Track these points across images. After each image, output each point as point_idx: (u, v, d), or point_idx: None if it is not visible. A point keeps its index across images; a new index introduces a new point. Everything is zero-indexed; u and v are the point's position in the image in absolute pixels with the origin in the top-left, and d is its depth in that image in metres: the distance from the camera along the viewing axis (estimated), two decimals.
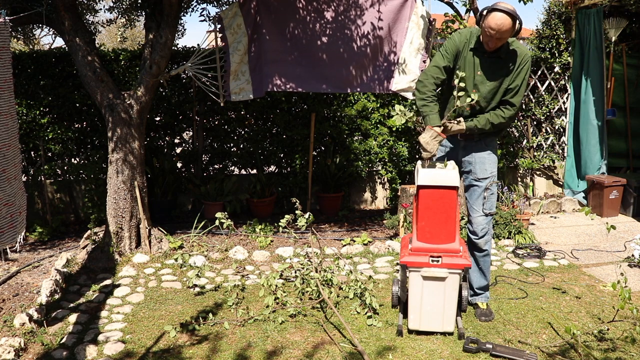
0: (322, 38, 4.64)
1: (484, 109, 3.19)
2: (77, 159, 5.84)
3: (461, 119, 3.15)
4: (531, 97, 6.50)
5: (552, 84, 6.47)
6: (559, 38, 6.33)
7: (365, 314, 3.39)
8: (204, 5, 5.26)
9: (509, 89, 3.11)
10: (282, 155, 6.20)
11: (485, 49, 3.05)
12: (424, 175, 2.98)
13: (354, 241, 4.90)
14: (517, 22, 2.91)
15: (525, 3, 4.50)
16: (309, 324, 3.29)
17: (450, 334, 3.10)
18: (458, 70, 3.11)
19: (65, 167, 5.73)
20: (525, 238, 4.95)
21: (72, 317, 3.39)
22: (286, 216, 3.82)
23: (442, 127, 3.08)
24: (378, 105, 6.09)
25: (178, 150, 6.15)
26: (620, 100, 6.63)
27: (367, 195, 6.56)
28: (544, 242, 5.01)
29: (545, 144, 6.63)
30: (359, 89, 4.95)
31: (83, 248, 4.64)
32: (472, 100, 3.04)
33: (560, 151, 6.68)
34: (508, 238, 5.00)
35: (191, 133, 6.10)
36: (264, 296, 3.68)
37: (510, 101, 3.12)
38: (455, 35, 3.16)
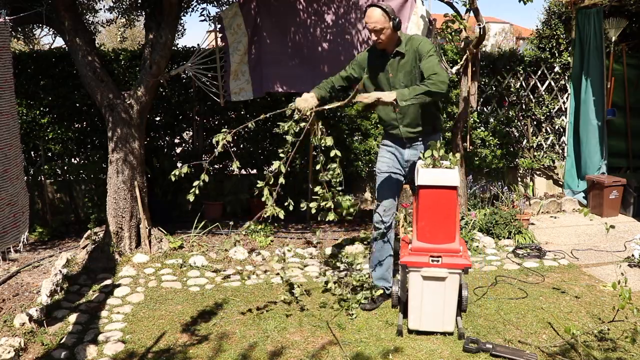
0: (322, 40, 4.65)
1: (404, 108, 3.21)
2: (77, 159, 5.83)
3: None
4: (531, 97, 6.50)
5: (552, 84, 6.47)
6: (559, 38, 6.33)
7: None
8: (204, 5, 5.27)
9: (422, 70, 3.12)
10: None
11: (386, 54, 3.23)
12: (424, 175, 2.98)
13: (354, 241, 4.90)
14: (387, 12, 3.08)
15: (525, 3, 4.50)
16: (309, 324, 3.30)
17: (450, 334, 3.11)
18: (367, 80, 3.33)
19: (65, 167, 5.72)
20: (525, 238, 4.95)
21: (72, 317, 3.39)
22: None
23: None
24: None
25: (178, 150, 6.15)
26: (620, 100, 6.63)
27: (367, 195, 6.55)
28: (544, 242, 5.01)
29: (545, 144, 6.63)
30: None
31: (83, 248, 4.64)
32: None
33: (560, 151, 6.68)
34: (508, 238, 4.99)
35: (191, 133, 6.09)
36: (264, 296, 3.68)
37: (429, 75, 3.02)
38: (358, 56, 3.45)
